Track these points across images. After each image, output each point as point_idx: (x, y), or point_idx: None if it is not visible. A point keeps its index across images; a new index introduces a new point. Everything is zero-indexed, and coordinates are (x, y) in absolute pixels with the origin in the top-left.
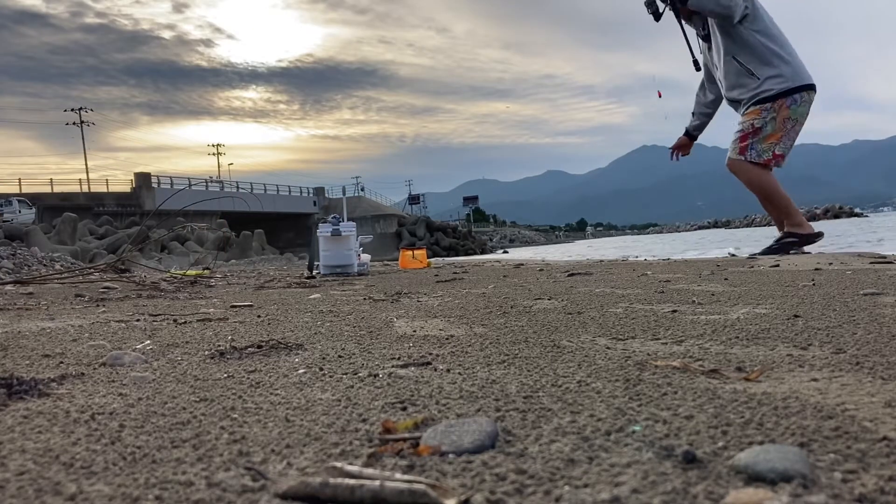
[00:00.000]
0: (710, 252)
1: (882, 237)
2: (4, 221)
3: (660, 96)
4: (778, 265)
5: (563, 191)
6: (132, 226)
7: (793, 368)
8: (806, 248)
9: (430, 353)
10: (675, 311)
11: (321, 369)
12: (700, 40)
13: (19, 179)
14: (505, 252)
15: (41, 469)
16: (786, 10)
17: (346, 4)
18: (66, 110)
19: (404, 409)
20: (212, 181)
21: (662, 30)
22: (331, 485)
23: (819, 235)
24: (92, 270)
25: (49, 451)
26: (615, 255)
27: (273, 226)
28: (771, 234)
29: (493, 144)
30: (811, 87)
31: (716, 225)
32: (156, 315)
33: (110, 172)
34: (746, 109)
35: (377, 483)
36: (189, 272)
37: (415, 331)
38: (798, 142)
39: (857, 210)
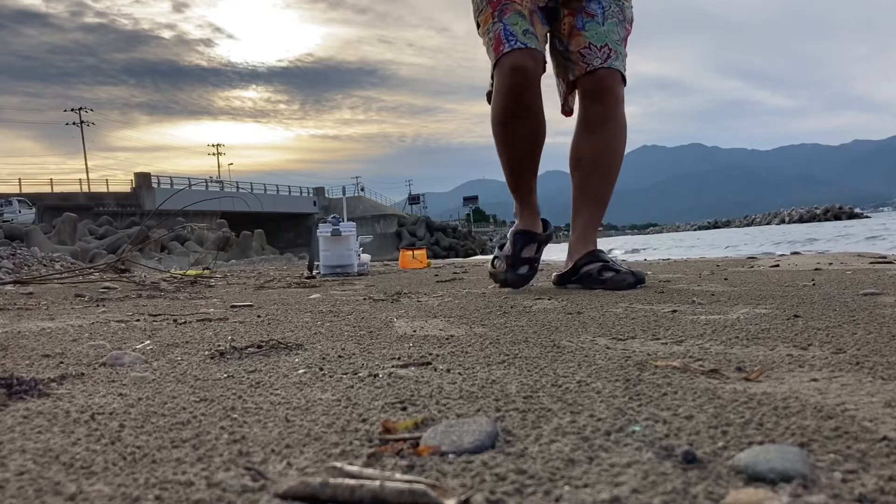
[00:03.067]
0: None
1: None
2: (4, 221)
3: None
4: (778, 265)
5: (564, 191)
6: (132, 226)
7: (793, 368)
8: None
9: (430, 353)
10: (675, 311)
11: (321, 369)
12: None
13: (19, 179)
14: None
15: (41, 469)
16: (787, 10)
17: (346, 4)
18: (65, 110)
19: (404, 409)
20: (212, 181)
21: (663, 29)
22: (331, 485)
23: None
24: (92, 270)
25: (49, 451)
26: (616, 256)
27: (273, 226)
28: (777, 232)
29: (493, 144)
30: None
31: (716, 225)
32: (156, 315)
33: (110, 172)
34: None
35: (377, 483)
36: (189, 272)
37: (415, 331)
38: (798, 141)
39: (857, 210)
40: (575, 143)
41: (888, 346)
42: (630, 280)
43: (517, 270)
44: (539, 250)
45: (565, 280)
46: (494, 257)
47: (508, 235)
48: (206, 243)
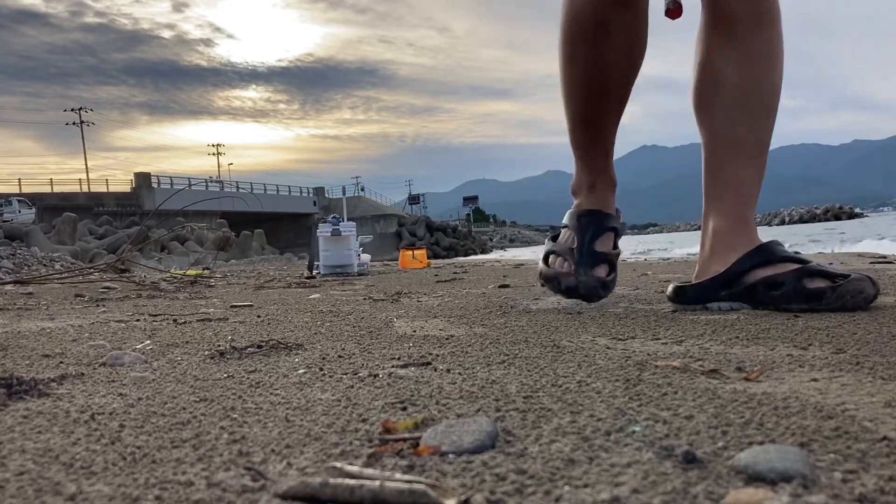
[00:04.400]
0: None
1: None
2: (4, 221)
3: None
4: None
5: (564, 191)
6: (132, 226)
7: (793, 368)
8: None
9: (430, 353)
10: (675, 311)
11: (321, 369)
12: None
13: (19, 179)
14: (503, 250)
15: (41, 469)
16: (788, 10)
17: (346, 4)
18: (65, 110)
19: (404, 409)
20: (212, 181)
21: (663, 29)
22: (331, 485)
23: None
24: (92, 270)
25: (49, 451)
26: None
27: (273, 226)
28: (777, 233)
29: (493, 144)
30: None
31: None
32: (156, 315)
33: (110, 172)
34: None
35: (377, 483)
36: (189, 272)
37: (415, 331)
38: (798, 141)
39: (857, 210)
40: (705, 64)
41: (888, 346)
42: (870, 291)
43: (593, 271)
44: (616, 244)
45: (706, 294)
46: (549, 252)
47: (567, 219)
48: (205, 243)
